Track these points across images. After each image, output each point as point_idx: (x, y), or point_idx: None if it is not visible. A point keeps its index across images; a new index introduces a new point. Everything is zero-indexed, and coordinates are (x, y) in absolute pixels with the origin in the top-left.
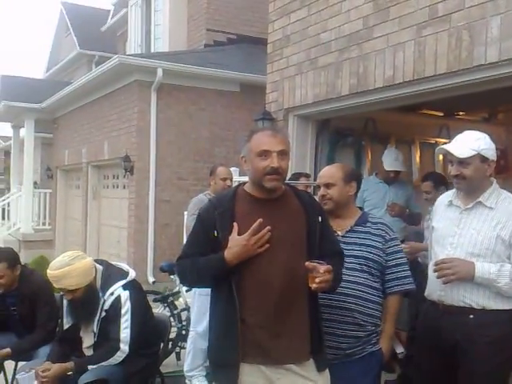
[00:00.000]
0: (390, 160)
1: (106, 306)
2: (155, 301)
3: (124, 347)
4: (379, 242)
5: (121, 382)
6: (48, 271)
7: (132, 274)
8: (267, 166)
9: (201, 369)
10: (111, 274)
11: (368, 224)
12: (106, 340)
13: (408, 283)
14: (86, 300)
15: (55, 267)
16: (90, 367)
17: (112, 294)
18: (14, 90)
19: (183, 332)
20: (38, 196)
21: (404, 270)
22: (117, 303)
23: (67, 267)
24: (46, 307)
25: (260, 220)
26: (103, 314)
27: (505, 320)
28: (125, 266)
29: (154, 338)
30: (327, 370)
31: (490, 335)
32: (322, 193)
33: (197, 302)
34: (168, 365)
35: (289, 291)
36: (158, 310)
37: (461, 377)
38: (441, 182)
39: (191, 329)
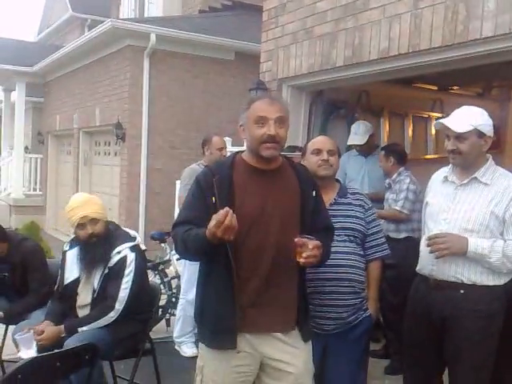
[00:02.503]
0: (350, 134)
1: (111, 264)
2: (146, 268)
3: (118, 306)
4: (360, 212)
5: (109, 346)
6: (70, 203)
7: (138, 239)
8: (264, 133)
9: (190, 335)
10: (119, 234)
11: (348, 195)
12: (104, 298)
13: (385, 249)
14: (104, 237)
15: (77, 197)
16: (80, 330)
17: (119, 252)
18: (5, 53)
19: (173, 299)
20: (29, 161)
21: (381, 237)
22: (122, 262)
23: (89, 196)
24: (37, 273)
25: (226, 209)
26: (106, 270)
27: (494, 296)
28: (131, 231)
29: (145, 305)
30: (310, 342)
31: (479, 310)
32: (325, 158)
33: (187, 271)
34: (158, 331)
35: (280, 263)
36: (149, 277)
37: (448, 350)
38: (390, 152)
39: (181, 296)
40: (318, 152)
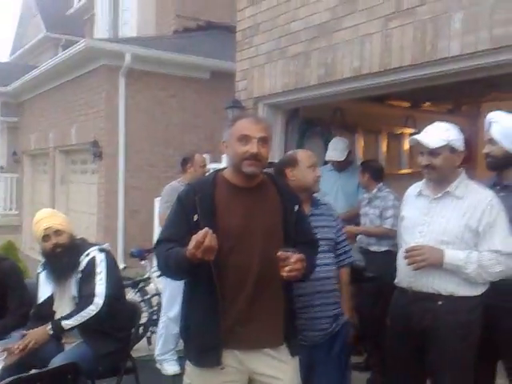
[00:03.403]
0: (329, 150)
1: (82, 267)
2: (126, 286)
3: (98, 301)
4: (332, 221)
5: (91, 365)
6: (35, 217)
7: (107, 246)
8: (246, 151)
9: (172, 353)
10: (86, 244)
11: (319, 206)
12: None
13: (351, 255)
14: (69, 247)
15: (41, 211)
16: (64, 323)
17: (88, 255)
18: None
19: (154, 317)
20: (5, 181)
21: (347, 244)
22: (92, 263)
23: (53, 210)
24: (16, 293)
25: (205, 229)
26: (79, 275)
27: (472, 306)
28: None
29: (124, 322)
30: (297, 356)
31: (457, 321)
32: (319, 174)
33: (169, 288)
34: (139, 349)
35: (265, 279)
36: (129, 295)
37: (428, 362)
38: (366, 168)
39: (163, 314)
40: (314, 167)
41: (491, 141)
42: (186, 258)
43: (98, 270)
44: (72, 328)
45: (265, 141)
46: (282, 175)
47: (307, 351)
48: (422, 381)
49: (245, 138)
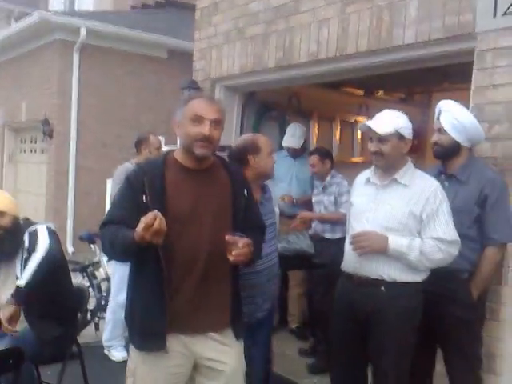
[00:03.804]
0: (287, 136)
1: (27, 244)
2: (74, 271)
3: (42, 244)
4: (272, 205)
5: (35, 350)
6: None
7: (51, 225)
8: (199, 132)
9: (120, 339)
10: (30, 222)
11: (267, 190)
12: None
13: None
14: (11, 230)
15: None
16: (18, 284)
17: (28, 230)
18: None
19: (103, 302)
20: None
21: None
22: (35, 234)
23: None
24: None
25: (155, 211)
26: (25, 254)
27: (413, 292)
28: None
29: (70, 305)
30: (242, 339)
31: (399, 306)
32: (275, 160)
33: (118, 272)
34: (86, 335)
35: (212, 263)
36: (77, 280)
37: (371, 345)
38: (326, 155)
39: (111, 299)
40: (272, 154)
41: (440, 130)
42: (134, 241)
43: (39, 235)
44: (29, 284)
45: (218, 123)
46: (244, 161)
47: (251, 331)
48: (363, 366)
49: (198, 119)
